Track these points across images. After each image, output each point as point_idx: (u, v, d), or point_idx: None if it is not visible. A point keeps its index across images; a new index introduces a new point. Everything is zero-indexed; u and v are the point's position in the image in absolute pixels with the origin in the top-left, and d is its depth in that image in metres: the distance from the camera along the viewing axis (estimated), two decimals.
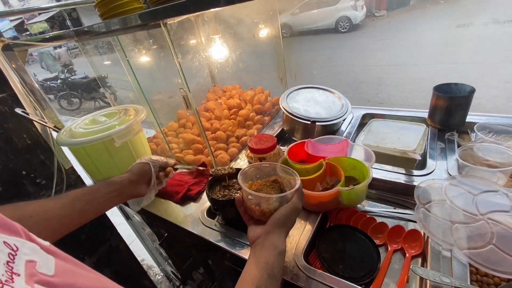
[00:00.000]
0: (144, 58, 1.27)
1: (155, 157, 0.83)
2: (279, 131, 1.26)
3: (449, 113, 0.94)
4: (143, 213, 1.01)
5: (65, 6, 1.21)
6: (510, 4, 6.41)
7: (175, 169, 0.90)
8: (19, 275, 0.24)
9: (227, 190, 0.81)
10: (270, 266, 0.46)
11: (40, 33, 18.05)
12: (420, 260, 0.65)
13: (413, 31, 6.62)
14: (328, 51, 6.65)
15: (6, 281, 0.22)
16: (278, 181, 0.63)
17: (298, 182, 0.58)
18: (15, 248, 0.26)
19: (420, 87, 3.92)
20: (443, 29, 6.02)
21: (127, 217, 1.34)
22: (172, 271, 1.50)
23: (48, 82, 6.44)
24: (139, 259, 1.50)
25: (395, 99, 3.97)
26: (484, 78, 3.85)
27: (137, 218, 1.30)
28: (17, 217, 0.51)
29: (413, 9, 8.47)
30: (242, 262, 0.72)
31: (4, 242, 0.26)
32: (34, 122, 0.96)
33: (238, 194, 0.67)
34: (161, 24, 0.71)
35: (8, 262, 0.24)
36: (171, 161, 0.88)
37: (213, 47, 1.40)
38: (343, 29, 7.64)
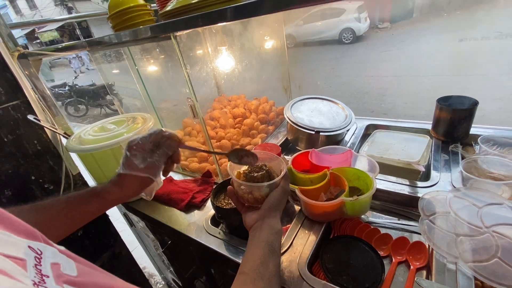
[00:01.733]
0: (152, 68, 1.30)
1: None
2: (283, 140, 1.28)
3: (453, 125, 0.95)
4: (147, 219, 1.02)
5: (78, 18, 1.25)
6: None
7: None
8: (48, 276, 0.26)
9: None
10: (270, 243, 0.51)
11: (51, 41, 18.55)
12: (425, 272, 0.65)
13: (417, 43, 6.67)
14: (332, 62, 6.72)
15: (39, 282, 0.24)
16: (266, 165, 0.65)
17: (284, 167, 0.63)
18: (39, 252, 0.28)
19: (424, 98, 3.93)
20: (447, 41, 6.06)
21: (131, 223, 1.35)
22: (173, 279, 1.49)
23: (56, 89, 6.57)
24: (140, 266, 1.50)
25: (399, 110, 3.97)
26: (489, 90, 3.85)
27: (140, 225, 1.30)
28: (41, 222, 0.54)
29: (416, 22, 8.55)
30: None
31: (29, 247, 0.27)
32: (45, 129, 0.98)
33: (229, 186, 0.65)
34: (172, 37, 0.74)
35: (36, 265, 0.26)
36: (172, 141, 0.63)
37: (219, 57, 1.44)
38: (346, 40, 7.73)
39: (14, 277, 0.21)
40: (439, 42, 6.14)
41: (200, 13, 0.64)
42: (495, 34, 5.77)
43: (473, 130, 0.99)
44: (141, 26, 0.90)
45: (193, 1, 0.76)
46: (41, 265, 0.26)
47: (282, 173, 0.61)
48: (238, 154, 0.62)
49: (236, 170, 0.65)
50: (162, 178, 0.78)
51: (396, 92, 4.45)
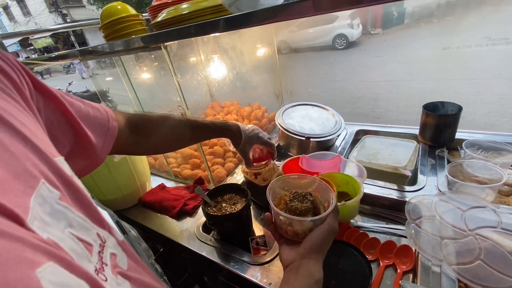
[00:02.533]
0: (145, 75, 1.31)
1: (250, 126, 0.84)
2: (275, 146, 1.29)
3: (438, 131, 0.97)
4: (140, 227, 1.02)
5: (72, 27, 1.27)
6: (501, 23, 6.63)
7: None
8: (107, 265, 0.27)
9: (223, 205, 0.83)
10: None
11: (44, 48, 18.48)
12: (411, 276, 0.66)
13: (408, 49, 6.80)
14: (326, 67, 6.81)
15: (99, 269, 0.26)
16: (312, 194, 0.57)
17: (334, 200, 0.53)
18: (104, 240, 0.30)
19: (415, 103, 3.99)
20: (438, 46, 6.20)
21: (123, 232, 1.34)
22: None
23: None
24: None
25: (392, 114, 4.03)
26: (479, 94, 3.93)
27: (133, 233, 1.29)
28: (149, 125, 0.65)
29: (407, 28, 8.74)
30: (236, 277, 0.73)
31: (97, 234, 0.29)
32: None
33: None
34: (162, 47, 0.75)
35: (99, 252, 0.28)
36: (268, 140, 0.87)
37: (212, 65, 1.46)
38: (340, 46, 7.85)
39: (79, 262, 0.23)
40: (430, 48, 6.28)
41: (190, 24, 0.65)
42: (484, 39, 5.92)
43: (459, 135, 1.01)
44: (133, 36, 0.92)
45: (184, 12, 0.78)
46: (103, 253, 0.28)
47: (331, 207, 0.52)
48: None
49: (277, 195, 0.60)
50: None
51: (389, 96, 4.51)
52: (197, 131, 0.74)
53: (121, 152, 0.60)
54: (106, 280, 0.26)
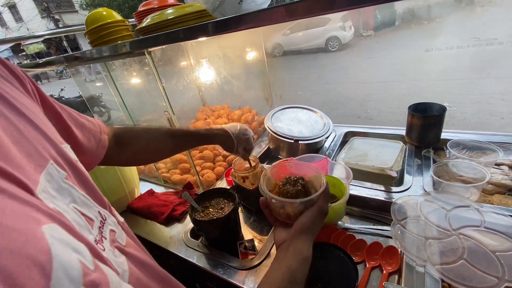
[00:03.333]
0: (134, 80, 1.31)
1: (239, 126, 0.84)
2: (265, 148, 1.29)
3: (424, 131, 0.98)
4: None
5: (63, 33, 1.25)
6: (489, 24, 6.77)
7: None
8: (106, 238, 0.32)
9: (210, 210, 0.82)
10: (293, 270, 0.46)
11: (37, 53, 18.31)
12: (397, 276, 0.66)
13: (399, 50, 6.90)
14: (319, 69, 6.86)
15: (99, 240, 0.30)
16: (304, 179, 0.59)
17: (324, 183, 0.55)
18: (104, 218, 0.34)
19: (407, 103, 4.00)
20: (428, 47, 6.30)
21: None
22: None
23: None
24: None
25: (384, 115, 4.06)
26: (468, 93, 4.00)
27: None
28: (129, 136, 0.67)
29: (398, 29, 8.87)
30: (224, 283, 0.72)
31: (99, 212, 0.34)
32: None
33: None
34: (146, 52, 0.75)
35: (99, 227, 0.32)
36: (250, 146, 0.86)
37: (202, 68, 1.46)
38: (332, 48, 7.93)
39: (81, 232, 0.26)
40: (420, 49, 6.37)
41: (173, 30, 0.65)
42: (473, 40, 6.03)
43: (446, 135, 1.03)
44: (119, 42, 0.91)
45: (169, 17, 0.78)
46: (103, 228, 0.33)
47: (321, 190, 0.54)
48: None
49: (272, 181, 0.62)
50: None
51: (381, 97, 4.56)
52: (179, 140, 0.74)
53: (105, 164, 0.61)
54: (104, 250, 0.29)
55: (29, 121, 0.30)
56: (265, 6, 0.71)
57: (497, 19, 6.87)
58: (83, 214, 0.30)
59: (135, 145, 0.68)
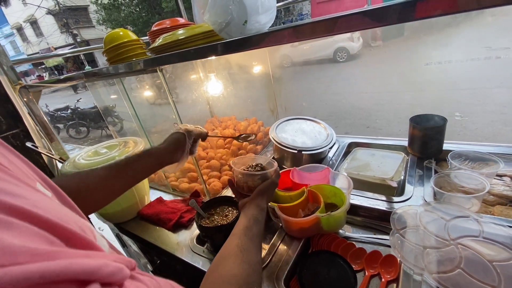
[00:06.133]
0: (147, 93, 1.39)
1: (190, 127, 0.87)
2: (270, 158, 1.33)
3: (425, 142, 1.00)
4: (138, 240, 1.06)
5: (81, 51, 1.36)
6: (501, 33, 6.69)
7: (205, 138, 0.93)
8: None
9: (215, 217, 0.86)
10: (255, 216, 0.62)
11: (55, 66, 19.17)
12: (395, 285, 0.68)
13: (409, 60, 6.87)
14: (327, 80, 6.91)
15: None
16: (263, 166, 0.79)
17: (276, 165, 0.78)
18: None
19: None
20: (438, 56, 6.26)
21: (123, 244, 1.37)
22: None
23: (59, 112, 6.74)
24: None
25: (394, 125, 4.03)
26: (481, 103, 3.93)
27: (134, 247, 1.33)
28: (84, 188, 0.61)
29: (407, 39, 8.85)
30: None
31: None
32: (42, 154, 1.05)
33: (228, 177, 0.86)
34: (158, 70, 0.82)
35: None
36: (203, 130, 0.92)
37: (211, 82, 1.53)
38: (341, 59, 7.98)
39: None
40: (431, 59, 6.33)
41: (181, 50, 0.72)
42: (484, 49, 5.96)
43: (449, 146, 1.04)
44: (134, 59, 0.99)
45: (181, 38, 0.84)
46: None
47: (274, 167, 0.77)
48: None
49: (239, 164, 0.82)
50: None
51: (391, 108, 4.54)
52: (128, 168, 0.70)
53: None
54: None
55: (12, 152, 0.33)
56: (269, 25, 0.77)
57: (509, 28, 6.77)
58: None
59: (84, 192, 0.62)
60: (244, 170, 0.78)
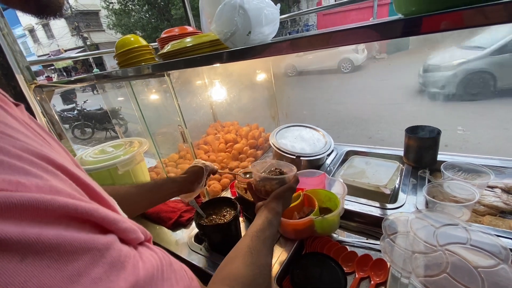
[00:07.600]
0: (153, 96, 1.44)
1: (206, 163, 0.95)
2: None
3: (420, 153, 1.03)
4: None
5: (93, 55, 1.42)
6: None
7: (215, 173, 0.99)
8: None
9: (213, 216, 0.89)
10: (270, 218, 0.63)
11: (64, 68, 19.55)
12: (383, 287, 0.70)
13: (413, 73, 6.93)
14: (331, 90, 6.97)
15: None
16: (282, 171, 0.79)
17: (295, 170, 0.77)
18: None
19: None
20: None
21: None
22: None
23: (65, 113, 6.86)
24: None
25: (396, 137, 4.04)
26: (483, 118, 3.94)
27: None
28: (113, 195, 0.68)
29: (412, 53, 8.91)
30: None
31: None
32: None
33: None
34: (165, 75, 0.87)
35: None
36: (215, 167, 0.98)
37: (215, 88, 1.58)
38: (345, 70, 8.06)
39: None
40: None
41: (188, 57, 0.77)
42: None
43: (444, 157, 1.07)
44: (143, 63, 1.04)
45: (188, 45, 0.90)
46: None
47: (293, 173, 0.76)
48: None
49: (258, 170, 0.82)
50: None
51: (394, 119, 4.56)
52: (156, 189, 0.80)
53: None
54: None
55: (56, 141, 0.37)
56: (272, 36, 0.81)
57: None
58: None
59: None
60: (263, 173, 0.78)
